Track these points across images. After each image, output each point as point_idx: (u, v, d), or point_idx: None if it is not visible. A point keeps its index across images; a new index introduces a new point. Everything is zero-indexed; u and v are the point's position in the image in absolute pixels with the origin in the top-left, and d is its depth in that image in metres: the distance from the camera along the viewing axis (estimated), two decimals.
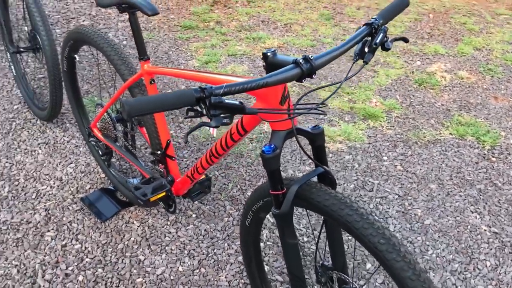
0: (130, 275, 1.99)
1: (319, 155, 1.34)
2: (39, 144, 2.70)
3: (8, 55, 2.92)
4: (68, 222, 2.22)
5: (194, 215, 2.29)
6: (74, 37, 2.03)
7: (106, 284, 1.94)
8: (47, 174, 2.49)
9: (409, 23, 4.45)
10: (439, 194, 2.52)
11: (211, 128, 1.00)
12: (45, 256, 2.05)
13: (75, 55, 2.15)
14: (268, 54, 1.19)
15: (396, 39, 1.28)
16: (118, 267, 2.02)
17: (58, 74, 2.44)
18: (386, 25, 1.25)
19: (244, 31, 4.15)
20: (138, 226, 2.21)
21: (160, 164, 1.85)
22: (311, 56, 1.12)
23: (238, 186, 2.48)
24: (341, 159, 2.74)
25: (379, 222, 1.19)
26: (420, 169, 2.70)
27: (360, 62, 1.22)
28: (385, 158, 2.77)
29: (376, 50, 1.22)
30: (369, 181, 2.58)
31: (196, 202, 2.35)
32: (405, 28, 4.35)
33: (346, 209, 1.20)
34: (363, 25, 1.26)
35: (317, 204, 1.25)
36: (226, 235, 2.20)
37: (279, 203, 1.29)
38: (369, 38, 1.24)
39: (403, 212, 2.39)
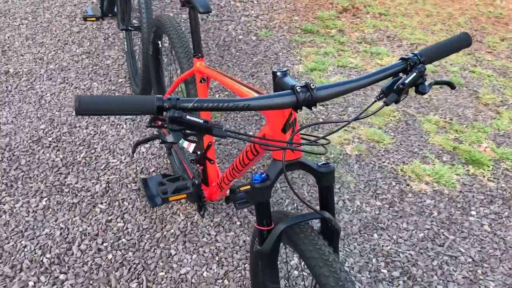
0: (155, 266, 1.98)
1: (325, 198, 1.17)
2: (126, 119, 2.83)
3: (124, 32, 3.10)
4: (121, 199, 2.29)
5: (238, 223, 2.21)
6: (155, 24, 2.06)
7: (130, 269, 1.96)
8: (122, 149, 2.60)
9: None
10: None
11: (185, 142, 0.91)
12: (88, 226, 2.14)
13: (159, 42, 2.19)
14: (278, 73, 1.06)
15: (438, 83, 1.06)
16: (148, 256, 2.02)
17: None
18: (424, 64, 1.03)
19: (365, 43, 3.92)
20: (182, 220, 2.20)
21: (198, 165, 1.80)
22: (314, 85, 0.97)
23: (295, 205, 2.34)
24: (420, 202, 2.44)
25: None
26: None
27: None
28: (473, 213, 2.41)
29: (404, 91, 1.02)
30: (443, 234, 2.26)
31: (245, 210, 2.26)
32: None
33: (324, 268, 1.02)
34: (400, 59, 1.06)
35: (300, 251, 1.09)
36: None
37: (263, 240, 1.16)
38: (404, 76, 1.04)
39: (471, 280, 2.05)
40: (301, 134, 1.10)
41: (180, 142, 0.96)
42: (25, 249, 2.01)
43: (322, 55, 3.69)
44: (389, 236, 2.22)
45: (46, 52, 3.41)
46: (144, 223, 2.17)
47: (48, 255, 1.99)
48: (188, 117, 0.88)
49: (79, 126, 2.74)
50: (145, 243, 2.08)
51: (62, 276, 1.91)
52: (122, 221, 2.18)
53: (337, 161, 2.65)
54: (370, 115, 1.05)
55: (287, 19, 4.21)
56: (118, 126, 2.76)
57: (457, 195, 2.50)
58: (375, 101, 1.03)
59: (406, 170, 2.63)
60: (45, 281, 1.88)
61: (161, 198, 1.71)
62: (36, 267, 1.93)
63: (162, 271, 1.96)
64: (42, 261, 1.96)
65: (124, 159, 2.53)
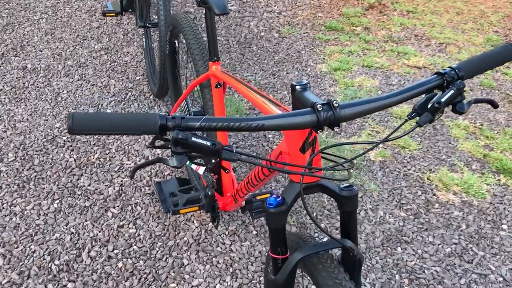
0: (167, 277, 1.90)
1: (347, 224, 1.06)
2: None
3: (142, 29, 3.02)
4: (134, 204, 2.21)
5: (254, 232, 2.11)
6: (172, 23, 1.97)
7: (140, 279, 1.88)
8: (137, 150, 2.52)
9: None
10: None
11: (193, 165, 0.82)
12: (99, 231, 2.07)
13: (175, 41, 2.09)
14: (297, 87, 0.95)
15: (479, 101, 0.94)
16: (159, 265, 1.95)
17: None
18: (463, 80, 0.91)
19: (391, 42, 3.77)
20: (196, 227, 2.11)
21: (213, 174, 1.70)
22: (337, 103, 0.86)
23: (314, 214, 2.23)
24: (448, 213, 2.30)
25: None
26: None
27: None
28: (504, 226, 2.27)
29: (440, 111, 0.90)
30: (472, 250, 2.13)
31: (262, 219, 2.17)
32: None
33: None
34: (434, 74, 0.94)
35: (318, 284, 0.98)
36: None
37: (277, 269, 1.06)
38: (440, 93, 0.93)
39: None
40: (322, 153, 0.99)
41: (188, 164, 0.87)
42: (34, 255, 1.95)
43: (347, 54, 3.56)
44: (413, 250, 2.10)
45: (64, 47, 3.36)
46: (157, 230, 2.09)
47: (56, 262, 1.92)
48: (193, 139, 0.78)
49: None
50: (157, 251, 2.00)
51: (70, 285, 1.84)
52: (134, 227, 2.10)
53: (360, 167, 2.53)
54: (400, 137, 0.93)
55: (311, 16, 4.08)
56: None
57: (487, 207, 2.36)
58: (406, 120, 0.92)
59: (433, 179, 2.50)
60: None
61: (171, 210, 1.63)
62: (44, 274, 1.87)
63: (173, 282, 1.88)
64: (50, 267, 1.90)
65: (139, 160, 2.46)
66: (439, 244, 2.14)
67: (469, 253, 2.11)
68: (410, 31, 3.96)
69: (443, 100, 0.89)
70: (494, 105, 0.97)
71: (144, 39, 3.06)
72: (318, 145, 1.00)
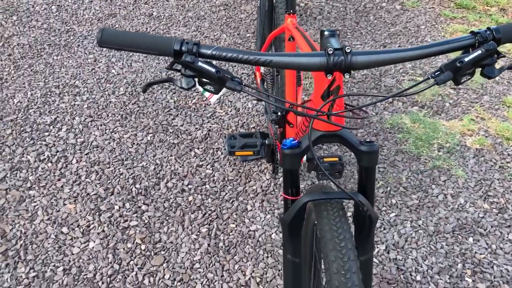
0: (228, 217, 2.02)
1: (364, 180, 1.05)
2: (241, 74, 2.87)
3: None
4: (216, 148, 2.36)
5: None
6: None
7: (204, 214, 2.03)
8: (231, 101, 2.66)
9: None
10: None
11: (207, 92, 0.88)
12: (180, 167, 2.25)
13: None
14: (325, 33, 0.95)
15: None
16: (225, 206, 2.07)
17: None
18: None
19: None
20: (267, 179, 2.19)
21: (278, 126, 1.75)
22: (349, 49, 0.85)
23: (388, 189, 2.18)
24: None
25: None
26: None
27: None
28: None
29: (465, 72, 0.85)
30: None
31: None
32: None
33: (332, 252, 0.93)
34: (469, 32, 0.88)
35: (317, 229, 1.00)
36: None
37: (286, 209, 1.09)
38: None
39: None
40: (346, 105, 0.99)
41: (202, 91, 0.94)
42: (121, 176, 2.19)
43: None
44: (487, 244, 1.97)
45: (189, 0, 3.59)
46: (231, 175, 2.22)
47: (137, 186, 2.15)
48: (200, 63, 0.85)
49: None
50: (226, 193, 2.13)
51: (144, 207, 2.05)
52: (211, 168, 2.25)
53: (452, 151, 2.39)
54: (416, 93, 0.90)
55: None
56: None
57: None
58: (428, 78, 0.88)
59: None
60: (129, 208, 2.04)
61: (228, 150, 1.73)
62: (125, 193, 2.11)
63: (233, 223, 2.00)
64: (131, 189, 2.13)
65: (230, 111, 2.59)
66: None
67: None
68: None
69: (466, 59, 0.84)
70: None
71: None
72: (342, 93, 0.99)
